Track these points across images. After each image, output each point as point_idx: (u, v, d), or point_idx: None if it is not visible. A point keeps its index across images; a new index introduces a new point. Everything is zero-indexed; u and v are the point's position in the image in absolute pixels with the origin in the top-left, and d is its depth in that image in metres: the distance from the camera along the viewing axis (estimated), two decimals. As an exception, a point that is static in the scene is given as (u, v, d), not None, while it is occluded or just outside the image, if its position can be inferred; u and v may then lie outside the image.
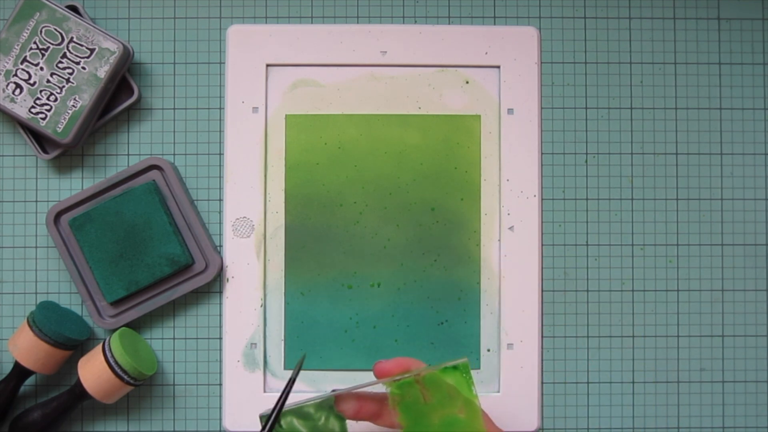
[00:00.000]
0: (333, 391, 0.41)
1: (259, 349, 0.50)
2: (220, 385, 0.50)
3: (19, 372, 0.48)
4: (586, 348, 0.51)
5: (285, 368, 0.50)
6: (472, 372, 0.50)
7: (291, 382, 0.40)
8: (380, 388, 0.40)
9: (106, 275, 0.48)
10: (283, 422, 0.39)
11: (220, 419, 0.50)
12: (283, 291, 0.50)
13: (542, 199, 0.51)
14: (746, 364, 0.51)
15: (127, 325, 0.50)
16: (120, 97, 0.50)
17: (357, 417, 0.41)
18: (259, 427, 0.40)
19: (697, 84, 0.52)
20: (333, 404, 0.40)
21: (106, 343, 0.47)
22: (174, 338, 0.51)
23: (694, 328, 0.51)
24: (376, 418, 0.41)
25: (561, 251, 0.51)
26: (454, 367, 0.40)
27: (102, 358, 0.46)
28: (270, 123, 0.51)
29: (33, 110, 0.48)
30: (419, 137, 0.51)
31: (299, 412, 0.40)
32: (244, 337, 0.50)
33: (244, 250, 0.50)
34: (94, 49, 0.47)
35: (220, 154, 0.51)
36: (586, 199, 0.51)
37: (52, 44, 0.47)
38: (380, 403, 0.41)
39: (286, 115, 0.51)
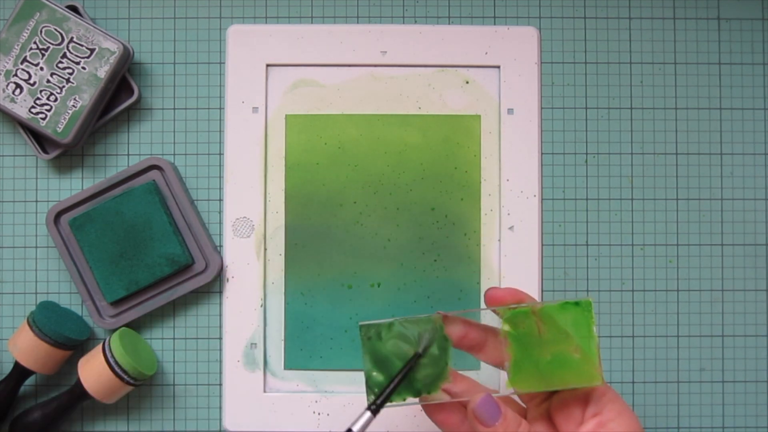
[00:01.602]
0: (437, 313, 0.38)
1: (259, 349, 0.50)
2: (220, 385, 0.50)
3: (19, 372, 0.48)
4: (586, 348, 0.51)
5: (285, 368, 0.50)
6: (475, 372, 0.50)
7: (416, 356, 0.38)
8: (489, 316, 0.38)
9: (106, 275, 0.48)
10: (383, 334, 0.37)
11: (220, 419, 0.50)
12: (283, 291, 0.50)
13: (542, 199, 0.51)
14: (746, 364, 0.51)
15: (127, 325, 0.50)
16: (120, 97, 0.50)
17: (461, 344, 0.38)
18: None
19: (697, 84, 0.52)
20: (442, 325, 0.37)
21: (106, 343, 0.47)
22: (174, 338, 0.51)
23: (694, 328, 0.51)
24: (478, 349, 0.39)
25: (561, 251, 0.51)
26: (576, 303, 0.37)
27: (102, 358, 0.46)
28: (270, 123, 0.51)
29: (33, 110, 0.48)
30: (419, 137, 0.51)
31: (402, 327, 0.37)
32: (244, 337, 0.50)
33: (244, 250, 0.50)
34: (94, 49, 0.47)
35: (220, 154, 0.51)
36: (586, 199, 0.51)
37: (52, 44, 0.47)
38: (485, 333, 0.39)
39: (286, 115, 0.51)
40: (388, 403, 0.37)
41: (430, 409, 0.39)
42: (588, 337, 0.37)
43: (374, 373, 0.38)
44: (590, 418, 0.36)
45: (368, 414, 0.36)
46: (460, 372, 0.39)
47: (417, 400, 0.38)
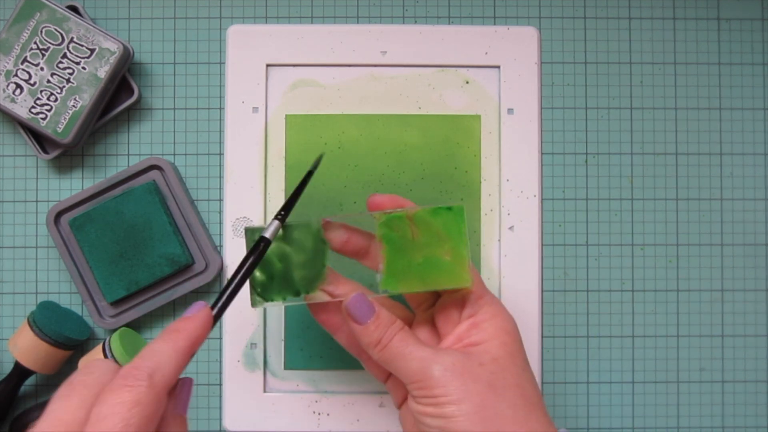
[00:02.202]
0: (321, 217, 0.40)
1: (259, 349, 0.50)
2: (220, 385, 0.50)
3: (19, 372, 0.48)
4: (586, 348, 0.51)
5: (285, 368, 0.50)
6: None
7: (309, 175, 0.40)
8: (369, 220, 0.40)
9: (106, 275, 0.48)
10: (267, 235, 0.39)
11: (220, 419, 0.50)
12: (283, 291, 0.50)
13: (542, 199, 0.51)
14: (746, 364, 0.51)
15: (127, 325, 0.50)
16: (120, 97, 0.50)
17: (344, 249, 0.40)
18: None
19: (697, 84, 0.52)
20: (320, 228, 0.40)
21: (106, 343, 0.47)
22: (174, 338, 0.51)
23: (694, 328, 0.51)
24: (362, 255, 0.40)
25: (561, 251, 0.51)
26: (448, 209, 0.39)
27: (102, 358, 0.46)
28: (270, 123, 0.51)
29: (33, 110, 0.48)
30: (419, 137, 0.51)
31: (286, 231, 0.39)
32: (244, 337, 0.50)
33: (244, 250, 0.50)
34: (94, 49, 0.47)
35: (220, 154, 0.51)
36: (586, 199, 0.51)
37: (53, 44, 0.47)
38: (368, 239, 0.40)
39: (286, 115, 0.51)
40: (270, 302, 0.40)
41: (314, 309, 0.41)
42: (459, 241, 0.38)
43: (257, 273, 0.40)
44: (465, 319, 0.38)
45: (276, 222, 0.39)
46: (342, 276, 0.41)
47: (300, 299, 0.40)
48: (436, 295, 0.41)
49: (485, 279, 0.50)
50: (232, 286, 0.36)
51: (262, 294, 0.40)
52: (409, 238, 0.39)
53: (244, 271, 0.37)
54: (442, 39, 0.51)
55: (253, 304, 0.40)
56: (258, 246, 0.38)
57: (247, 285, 0.38)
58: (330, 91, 0.51)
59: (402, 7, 0.52)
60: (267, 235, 0.38)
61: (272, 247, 0.39)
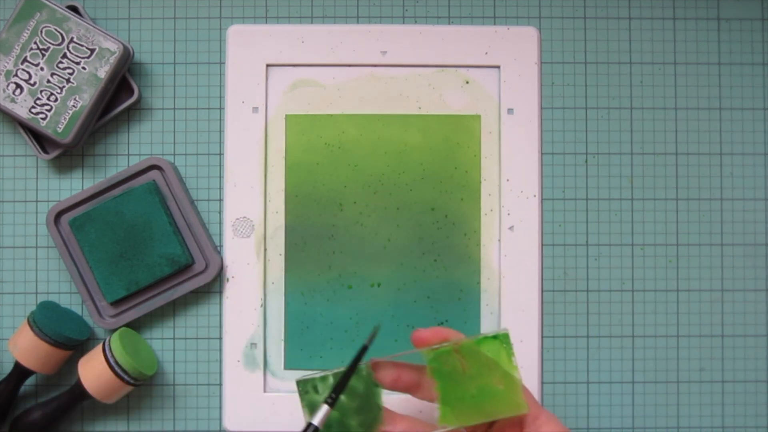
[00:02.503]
0: (371, 360, 0.40)
1: (259, 349, 0.50)
2: (220, 385, 0.50)
3: (19, 372, 0.48)
4: (586, 348, 0.51)
5: (285, 368, 0.50)
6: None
7: (364, 349, 0.40)
8: (416, 356, 0.39)
9: (106, 275, 0.48)
10: (319, 387, 0.39)
11: (220, 419, 0.50)
12: (283, 291, 0.50)
13: (542, 199, 0.51)
14: (746, 364, 0.51)
15: (127, 325, 0.50)
16: (120, 97, 0.50)
17: (395, 386, 0.40)
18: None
19: (697, 84, 0.52)
20: (370, 371, 0.39)
21: (106, 343, 0.47)
22: (174, 338, 0.51)
23: (694, 328, 0.51)
24: (414, 389, 0.40)
25: (561, 251, 0.51)
26: (494, 337, 0.39)
27: (102, 358, 0.46)
28: (270, 123, 0.51)
29: (33, 110, 0.48)
30: (419, 137, 0.51)
31: (335, 379, 0.39)
32: (244, 337, 0.50)
33: (244, 250, 0.50)
34: (94, 49, 0.47)
35: (220, 154, 0.51)
36: (586, 199, 0.51)
37: (53, 44, 0.47)
38: (419, 373, 0.40)
39: (286, 115, 0.51)
40: None
41: None
42: (509, 368, 0.39)
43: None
44: None
45: (326, 407, 0.38)
46: (399, 413, 0.41)
47: None
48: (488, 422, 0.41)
49: (485, 279, 0.50)
50: None
51: None
52: (460, 371, 0.39)
53: None
54: (442, 39, 0.51)
55: (329, 402, 0.39)
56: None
57: None
58: (330, 91, 0.51)
59: (402, 7, 0.52)
60: (316, 422, 0.38)
61: (325, 396, 0.39)
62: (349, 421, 0.39)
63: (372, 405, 0.39)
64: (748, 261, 0.51)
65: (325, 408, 0.38)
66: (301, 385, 0.40)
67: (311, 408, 0.39)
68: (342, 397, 0.39)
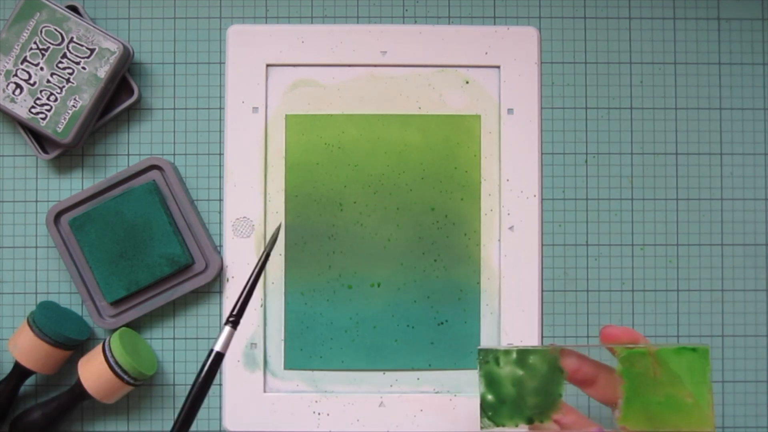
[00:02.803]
0: (550, 344, 0.39)
1: (259, 349, 0.50)
2: (220, 385, 0.50)
3: (19, 372, 0.48)
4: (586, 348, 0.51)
5: (285, 368, 0.50)
6: (475, 372, 0.50)
7: (266, 256, 0.41)
8: (597, 351, 0.38)
9: (106, 275, 0.48)
10: (501, 360, 0.39)
11: (220, 419, 0.50)
12: (283, 291, 0.50)
13: (542, 199, 0.51)
14: (746, 364, 0.51)
15: (127, 325, 0.50)
16: (120, 97, 0.50)
17: (574, 377, 0.39)
18: None
19: (697, 84, 0.52)
20: (557, 356, 0.39)
21: (106, 343, 0.47)
22: (174, 338, 0.51)
23: (694, 328, 0.51)
24: (589, 384, 0.39)
25: (561, 251, 0.51)
26: (693, 349, 0.38)
27: (102, 358, 0.46)
28: (270, 123, 0.51)
29: (33, 110, 0.48)
30: (419, 137, 0.51)
31: (521, 355, 0.39)
32: (244, 337, 0.50)
33: (244, 250, 0.50)
34: (94, 49, 0.47)
35: (220, 154, 0.51)
36: (586, 199, 0.51)
37: (52, 44, 0.47)
38: (597, 369, 0.39)
39: (286, 115, 0.51)
40: (500, 427, 0.39)
41: None
42: (702, 383, 0.37)
43: (488, 396, 0.39)
44: None
45: (228, 329, 0.39)
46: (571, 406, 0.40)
47: (527, 427, 0.39)
48: None
49: (485, 279, 0.50)
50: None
51: (492, 417, 0.39)
52: (651, 375, 0.38)
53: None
54: (442, 39, 0.51)
55: (483, 426, 0.39)
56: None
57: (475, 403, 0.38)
58: (330, 91, 0.51)
59: (402, 7, 0.51)
60: (218, 347, 0.38)
61: (505, 370, 0.39)
62: (525, 399, 0.38)
63: (552, 390, 0.39)
64: (748, 261, 0.51)
65: (227, 330, 0.39)
66: (482, 354, 0.39)
67: (488, 379, 0.39)
68: (521, 372, 0.39)
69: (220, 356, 0.38)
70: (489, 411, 0.39)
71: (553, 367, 0.39)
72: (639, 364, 0.38)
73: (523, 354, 0.39)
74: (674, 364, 0.38)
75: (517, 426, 0.39)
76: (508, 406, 0.39)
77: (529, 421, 0.38)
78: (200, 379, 0.38)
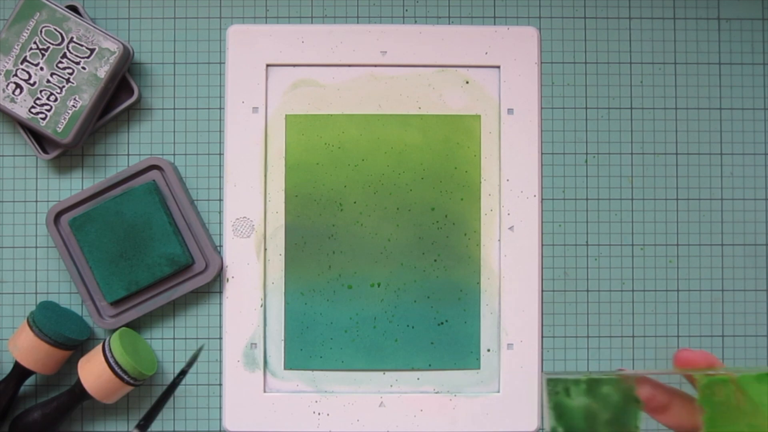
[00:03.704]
0: (620, 370, 0.37)
1: (259, 349, 0.50)
2: (220, 385, 0.50)
3: (19, 372, 0.48)
4: (586, 348, 0.51)
5: (285, 368, 0.50)
6: (474, 372, 0.50)
7: (182, 374, 0.41)
8: (666, 376, 0.37)
9: (106, 275, 0.48)
10: (572, 391, 0.37)
11: (220, 419, 0.50)
12: (283, 291, 0.50)
13: (542, 199, 0.51)
14: (746, 365, 0.51)
15: (127, 325, 0.50)
16: (120, 97, 0.50)
17: (648, 405, 0.37)
18: None
19: (697, 84, 0.52)
20: (632, 385, 0.36)
21: (106, 343, 0.47)
22: (174, 338, 0.51)
23: (694, 328, 0.51)
24: (661, 411, 0.37)
25: (561, 251, 0.51)
26: None
27: (102, 358, 0.46)
28: (270, 123, 0.51)
29: (33, 110, 0.48)
30: (419, 137, 0.51)
31: (592, 384, 0.36)
32: (244, 337, 0.50)
33: (244, 250, 0.50)
34: (94, 49, 0.47)
35: (220, 154, 0.51)
36: (586, 199, 0.51)
37: (52, 44, 0.47)
38: (670, 395, 0.37)
39: (286, 115, 0.51)
40: None
41: None
42: None
43: (559, 429, 0.37)
44: None
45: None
46: None
47: None
48: None
49: (485, 279, 0.50)
50: None
51: None
52: (734, 404, 0.36)
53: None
54: (442, 39, 0.51)
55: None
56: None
57: None
58: (330, 91, 0.51)
59: (402, 7, 0.52)
60: None
61: (577, 401, 0.37)
62: (598, 430, 0.36)
63: (627, 422, 0.36)
64: (748, 261, 0.51)
65: None
66: (552, 384, 0.37)
67: (557, 411, 0.37)
68: (594, 405, 0.37)
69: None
70: None
71: (628, 397, 0.37)
72: (720, 392, 0.36)
73: (595, 383, 0.37)
74: (754, 391, 0.36)
75: None
76: None
77: None
78: None
